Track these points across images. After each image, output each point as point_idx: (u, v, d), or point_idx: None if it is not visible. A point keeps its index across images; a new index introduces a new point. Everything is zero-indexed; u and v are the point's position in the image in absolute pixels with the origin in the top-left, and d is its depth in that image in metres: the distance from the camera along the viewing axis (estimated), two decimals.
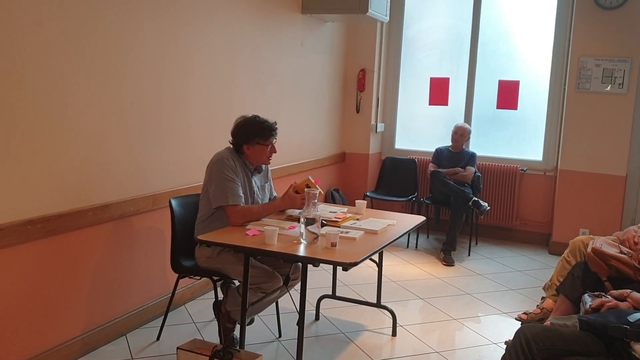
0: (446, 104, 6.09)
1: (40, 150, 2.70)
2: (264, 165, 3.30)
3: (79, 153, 2.92)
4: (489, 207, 5.18)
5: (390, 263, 4.95)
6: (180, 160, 3.66)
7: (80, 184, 2.95)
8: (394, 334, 3.52)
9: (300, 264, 2.99)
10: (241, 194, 3.07)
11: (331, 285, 3.82)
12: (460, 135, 5.49)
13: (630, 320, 2.21)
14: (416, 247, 5.54)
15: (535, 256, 5.40)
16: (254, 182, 3.23)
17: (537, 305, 3.54)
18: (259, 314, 3.35)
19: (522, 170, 5.79)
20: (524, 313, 3.52)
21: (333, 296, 3.80)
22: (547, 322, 2.93)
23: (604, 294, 2.58)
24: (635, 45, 5.06)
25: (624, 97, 5.15)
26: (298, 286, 2.97)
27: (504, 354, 2.40)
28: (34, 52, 2.62)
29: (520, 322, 3.43)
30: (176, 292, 3.34)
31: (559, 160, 5.54)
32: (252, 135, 3.12)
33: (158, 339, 3.32)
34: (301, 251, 2.69)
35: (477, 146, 5.92)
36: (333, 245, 2.70)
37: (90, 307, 3.11)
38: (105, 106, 3.05)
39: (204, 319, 3.64)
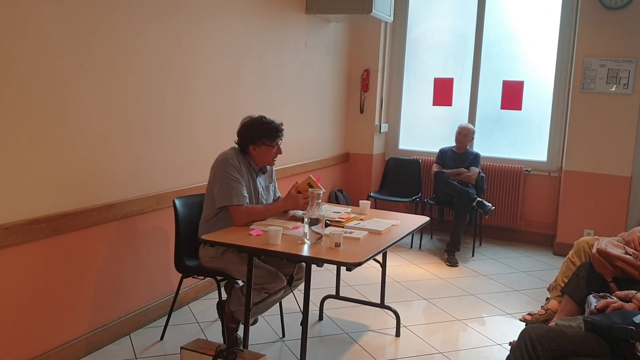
0: (450, 105, 6.09)
1: (44, 151, 2.71)
2: (268, 166, 3.30)
3: (83, 153, 2.92)
4: (493, 207, 5.17)
5: (394, 263, 4.94)
6: (184, 160, 3.66)
7: (85, 184, 2.95)
8: (397, 334, 3.52)
9: (304, 264, 2.99)
10: (245, 194, 3.07)
11: (335, 285, 3.82)
12: (464, 135, 5.48)
13: (635, 321, 2.19)
14: (420, 247, 5.54)
15: (540, 257, 5.39)
16: (258, 183, 3.23)
17: (542, 306, 3.53)
18: (262, 314, 3.35)
19: (526, 170, 5.78)
20: (529, 314, 3.51)
21: (337, 296, 3.80)
22: (552, 323, 2.92)
23: (609, 295, 2.57)
24: None
25: (629, 97, 5.13)
26: (302, 286, 2.97)
27: (509, 355, 2.39)
28: (38, 53, 2.63)
29: (524, 323, 3.42)
30: (180, 291, 3.34)
31: (563, 161, 5.52)
32: (259, 135, 3.11)
33: (162, 338, 3.32)
34: (305, 251, 2.69)
35: (481, 147, 5.91)
36: (337, 245, 2.70)
37: (95, 307, 3.12)
38: (109, 106, 3.06)
39: (207, 318, 3.65)
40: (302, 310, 2.79)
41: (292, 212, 3.30)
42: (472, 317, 3.87)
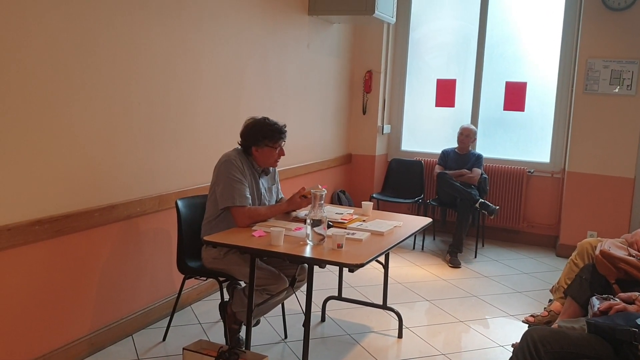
0: (453, 106, 6.08)
1: (47, 152, 2.71)
2: (271, 167, 3.30)
3: (86, 154, 2.93)
4: (498, 207, 5.16)
5: (397, 265, 4.94)
6: (186, 161, 3.67)
7: (87, 185, 2.96)
8: (400, 335, 3.52)
9: (306, 265, 2.99)
10: (248, 195, 3.07)
11: (337, 286, 3.82)
12: (466, 136, 5.47)
13: (638, 323, 2.19)
14: (422, 248, 5.53)
15: (543, 258, 5.38)
16: (261, 184, 3.23)
17: (545, 308, 3.52)
18: (265, 315, 3.35)
19: (529, 172, 5.77)
20: (531, 315, 3.50)
21: (339, 297, 3.80)
22: (555, 325, 2.91)
23: (612, 296, 2.57)
24: None
25: (632, 98, 5.12)
26: (304, 287, 2.97)
27: (511, 357, 2.39)
28: (43, 55, 2.63)
29: (527, 325, 3.41)
30: (182, 292, 3.34)
31: (566, 162, 5.51)
32: (261, 137, 3.11)
33: (164, 339, 3.32)
34: (307, 252, 2.68)
35: (484, 148, 5.90)
36: (339, 246, 2.70)
37: (97, 307, 3.12)
38: (112, 107, 3.06)
39: (210, 319, 3.65)
40: (304, 311, 2.79)
41: (294, 213, 3.31)
42: (475, 318, 3.86)
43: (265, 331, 3.48)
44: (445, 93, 6.09)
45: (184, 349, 2.88)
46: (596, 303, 2.50)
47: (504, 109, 5.87)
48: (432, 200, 5.58)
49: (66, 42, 2.75)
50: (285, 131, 3.18)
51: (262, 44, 4.38)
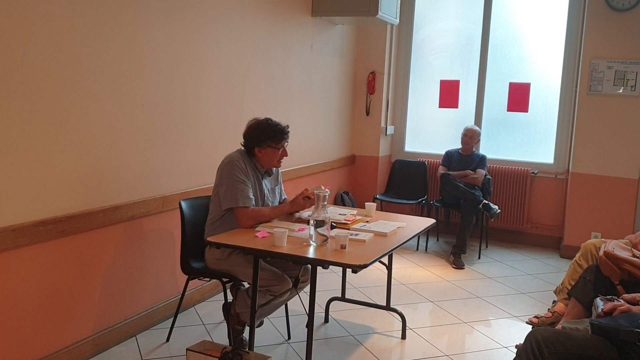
0: (456, 107, 6.08)
1: (51, 152, 2.72)
2: (274, 168, 3.30)
3: (90, 155, 2.94)
4: (499, 210, 5.16)
5: (400, 266, 4.94)
6: (190, 162, 3.67)
7: (91, 186, 2.97)
8: (403, 336, 3.51)
9: (309, 266, 2.99)
10: (251, 196, 3.08)
11: (340, 287, 3.82)
12: (470, 137, 5.47)
13: None
14: (426, 249, 5.53)
15: (546, 259, 5.37)
16: (264, 185, 3.24)
17: (549, 309, 3.52)
18: (268, 316, 3.35)
19: (533, 173, 5.76)
20: (535, 317, 3.50)
21: (342, 298, 3.80)
22: (559, 326, 2.91)
23: (616, 297, 2.56)
24: None
25: (636, 99, 5.10)
26: (307, 288, 2.97)
27: (515, 358, 2.38)
28: (47, 57, 2.64)
29: (531, 326, 3.41)
30: (186, 293, 3.35)
31: (570, 163, 5.50)
32: (264, 137, 3.12)
33: (168, 340, 3.33)
34: (310, 253, 2.69)
35: (488, 149, 5.90)
36: (342, 247, 2.70)
37: (101, 308, 3.13)
38: (116, 108, 3.07)
39: (213, 320, 3.65)
40: (307, 312, 2.79)
41: (297, 214, 3.31)
42: (479, 319, 3.85)
43: (268, 332, 3.48)
44: (448, 94, 6.09)
45: (187, 349, 2.88)
46: (600, 304, 2.49)
47: (508, 110, 5.86)
48: (436, 201, 5.57)
49: (70, 43, 2.76)
50: (288, 132, 3.18)
51: (266, 45, 4.38)
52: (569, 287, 3.28)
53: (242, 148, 3.20)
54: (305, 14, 4.94)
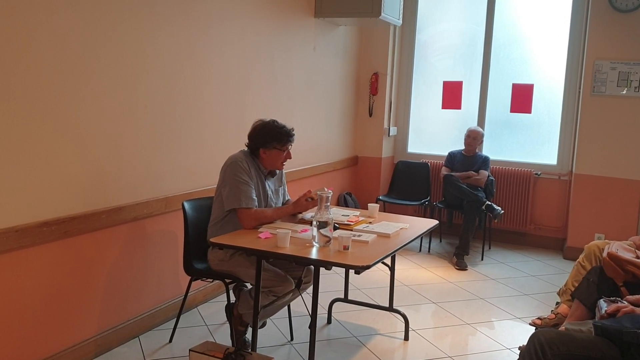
0: (459, 108, 6.07)
1: (54, 153, 2.73)
2: (277, 170, 3.30)
3: (93, 156, 2.95)
4: (502, 211, 5.15)
5: (403, 267, 4.93)
6: (193, 163, 3.68)
7: (94, 187, 2.97)
8: (406, 338, 3.51)
9: (312, 267, 2.98)
10: (254, 197, 3.08)
11: (343, 288, 3.82)
12: (473, 138, 5.46)
13: None
14: (429, 251, 5.52)
15: (550, 261, 5.35)
16: (267, 186, 3.24)
17: (552, 311, 3.51)
18: (271, 317, 3.35)
19: (536, 174, 5.75)
20: (538, 318, 3.49)
21: (345, 300, 3.79)
22: (562, 328, 2.90)
23: (619, 299, 2.55)
24: None
25: None
26: (310, 289, 2.97)
27: (518, 359, 2.38)
28: (50, 58, 2.65)
29: (534, 327, 3.40)
30: (189, 294, 3.35)
31: (573, 165, 5.49)
32: (270, 139, 3.12)
33: (170, 341, 3.33)
34: (313, 254, 2.68)
35: (491, 150, 5.89)
36: (345, 248, 2.70)
37: (104, 309, 3.13)
38: (119, 109, 3.08)
39: (216, 321, 3.65)
40: (310, 313, 2.79)
41: (300, 215, 3.31)
42: (482, 321, 3.85)
43: (271, 333, 3.48)
44: (451, 95, 6.08)
45: (190, 350, 2.88)
46: (603, 305, 2.49)
47: (511, 111, 5.85)
48: (439, 203, 5.57)
49: (73, 44, 2.76)
50: (294, 134, 3.19)
51: (269, 47, 4.39)
52: (573, 289, 3.27)
53: (246, 149, 3.21)
54: (308, 15, 4.95)
